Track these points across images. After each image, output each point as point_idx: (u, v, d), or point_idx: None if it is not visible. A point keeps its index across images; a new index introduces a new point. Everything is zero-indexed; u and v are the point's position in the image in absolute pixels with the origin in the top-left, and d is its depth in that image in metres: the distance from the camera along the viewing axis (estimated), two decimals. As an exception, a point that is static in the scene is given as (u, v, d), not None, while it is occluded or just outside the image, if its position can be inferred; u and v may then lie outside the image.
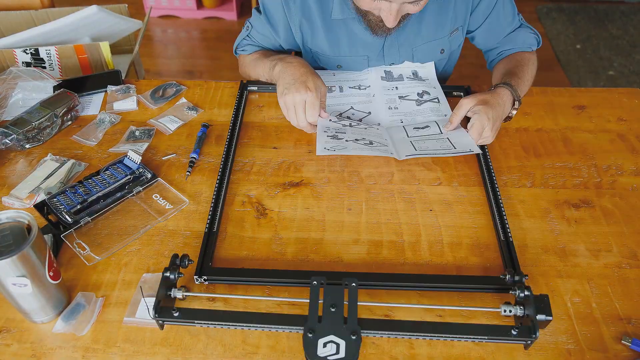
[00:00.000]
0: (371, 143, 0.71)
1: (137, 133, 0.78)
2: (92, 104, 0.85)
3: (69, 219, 0.64)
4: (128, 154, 0.72)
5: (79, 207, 0.66)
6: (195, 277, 0.58)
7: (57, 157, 0.74)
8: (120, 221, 0.66)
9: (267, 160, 0.75)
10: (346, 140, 0.72)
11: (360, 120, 0.79)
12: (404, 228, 0.66)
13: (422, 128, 0.76)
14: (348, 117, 0.79)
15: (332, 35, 0.82)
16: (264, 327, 0.52)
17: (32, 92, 0.85)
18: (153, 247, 0.63)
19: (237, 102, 0.82)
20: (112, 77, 0.89)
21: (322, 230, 0.65)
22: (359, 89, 0.84)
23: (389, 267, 0.61)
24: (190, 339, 0.54)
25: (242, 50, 0.89)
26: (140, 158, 0.72)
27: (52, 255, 0.53)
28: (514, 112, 0.76)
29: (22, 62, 0.95)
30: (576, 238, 0.65)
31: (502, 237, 0.63)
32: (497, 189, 0.68)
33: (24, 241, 0.49)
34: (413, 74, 0.85)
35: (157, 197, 0.69)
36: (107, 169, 0.71)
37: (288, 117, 0.74)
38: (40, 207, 0.66)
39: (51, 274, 0.53)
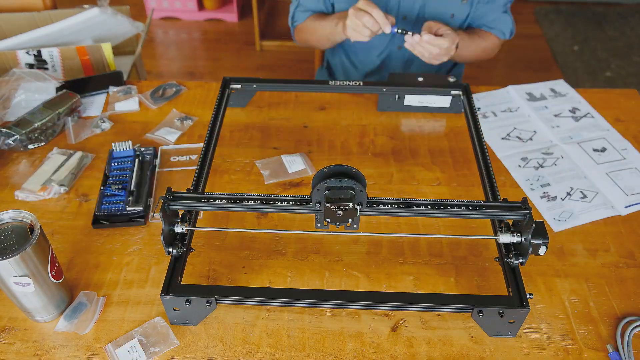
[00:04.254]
0: (585, 197, 0.68)
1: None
2: (94, 105, 0.86)
3: (138, 208, 0.66)
4: (113, 147, 0.73)
5: (131, 198, 0.67)
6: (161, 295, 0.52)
7: (64, 150, 0.75)
8: (176, 188, 0.67)
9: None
10: (561, 199, 0.67)
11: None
12: (403, 228, 0.66)
13: (600, 151, 0.75)
14: (519, 138, 0.77)
15: None
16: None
17: (34, 93, 0.85)
18: (154, 246, 0.64)
19: (218, 99, 0.76)
20: (114, 78, 0.89)
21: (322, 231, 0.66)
22: (510, 111, 0.83)
23: (389, 267, 0.62)
24: (191, 337, 0.55)
25: (297, 20, 0.96)
26: (131, 142, 0.73)
27: (54, 255, 0.54)
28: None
29: (25, 64, 0.96)
30: (574, 237, 0.65)
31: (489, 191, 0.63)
32: (486, 150, 0.67)
33: (27, 241, 0.50)
34: (551, 90, 0.86)
35: (175, 158, 0.73)
36: (111, 168, 0.72)
37: (365, 30, 0.79)
38: (107, 219, 0.65)
39: (53, 273, 0.53)
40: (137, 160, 0.72)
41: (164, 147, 0.76)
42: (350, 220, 0.52)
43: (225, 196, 0.54)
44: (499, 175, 0.73)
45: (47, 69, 0.96)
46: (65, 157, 0.73)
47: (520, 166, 0.73)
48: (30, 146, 0.76)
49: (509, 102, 0.86)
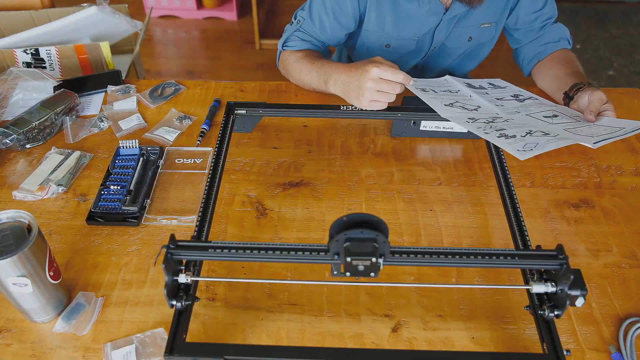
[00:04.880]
0: (547, 134, 0.66)
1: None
2: (92, 104, 0.85)
3: (133, 208, 0.65)
4: (120, 144, 0.73)
5: (128, 197, 0.67)
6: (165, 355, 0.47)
7: (61, 149, 0.74)
8: (175, 191, 0.69)
9: (267, 160, 0.75)
10: (522, 136, 0.65)
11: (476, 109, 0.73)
12: (404, 228, 0.66)
13: (552, 117, 0.72)
14: (463, 107, 0.74)
15: (396, 13, 0.82)
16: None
17: (32, 92, 0.85)
18: (153, 247, 0.63)
19: (222, 127, 0.71)
20: (112, 77, 0.89)
21: (322, 230, 0.65)
22: (450, 92, 0.79)
23: (389, 267, 0.61)
24: (190, 338, 0.54)
25: (291, 46, 0.86)
26: (137, 141, 0.73)
27: (52, 255, 0.53)
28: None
29: (23, 62, 0.95)
30: (576, 238, 0.65)
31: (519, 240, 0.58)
32: (513, 191, 0.63)
33: (24, 241, 0.49)
34: (490, 84, 0.85)
35: (180, 160, 0.72)
36: (115, 165, 0.72)
37: (381, 101, 0.71)
38: (101, 216, 0.64)
39: (51, 273, 0.53)
40: (141, 159, 0.72)
41: (170, 148, 0.76)
42: (372, 273, 0.47)
43: (234, 245, 0.49)
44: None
45: (44, 67, 0.96)
46: (63, 156, 0.72)
47: (468, 122, 0.70)
48: (28, 145, 0.76)
49: (449, 86, 0.82)
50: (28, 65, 0.95)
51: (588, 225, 0.66)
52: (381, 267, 0.47)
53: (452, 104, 0.75)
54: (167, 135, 0.79)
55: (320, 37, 0.86)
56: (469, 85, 0.82)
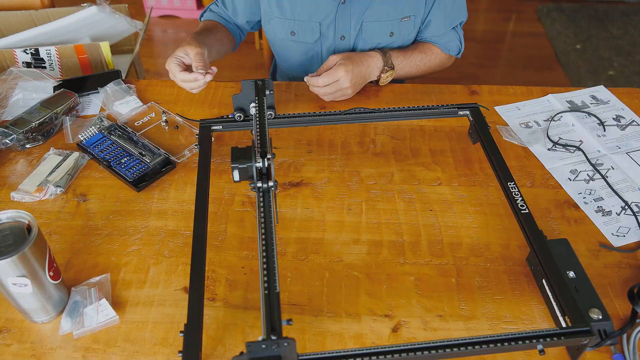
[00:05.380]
0: None
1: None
2: (92, 104, 0.85)
3: (159, 159, 0.71)
4: (80, 137, 0.75)
5: (146, 154, 0.72)
6: None
7: (60, 150, 0.74)
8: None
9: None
10: (617, 214, 0.66)
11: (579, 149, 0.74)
12: (404, 228, 0.66)
13: None
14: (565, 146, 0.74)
15: None
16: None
17: (32, 92, 0.85)
18: (153, 247, 0.63)
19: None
20: (112, 77, 0.89)
21: (322, 230, 0.65)
22: (554, 120, 0.81)
23: (390, 268, 0.61)
24: (190, 338, 0.54)
25: (204, 17, 0.94)
26: (94, 128, 0.76)
27: (52, 255, 0.53)
28: (386, 77, 0.83)
29: (23, 62, 0.95)
30: (576, 238, 0.65)
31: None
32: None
33: (24, 241, 0.49)
34: (592, 97, 0.84)
35: (139, 122, 0.78)
36: (98, 152, 0.74)
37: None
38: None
39: (51, 273, 0.53)
40: (112, 135, 0.75)
41: (122, 119, 0.80)
42: None
43: None
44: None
45: (44, 67, 0.96)
46: (61, 157, 0.72)
47: (570, 179, 0.72)
48: (27, 145, 0.76)
49: (551, 110, 0.83)
50: (28, 65, 0.95)
51: (588, 225, 0.66)
52: None
53: (554, 144, 0.75)
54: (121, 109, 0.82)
55: (227, 12, 0.91)
56: (572, 105, 0.82)
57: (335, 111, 0.74)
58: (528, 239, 0.59)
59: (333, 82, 0.77)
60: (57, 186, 0.68)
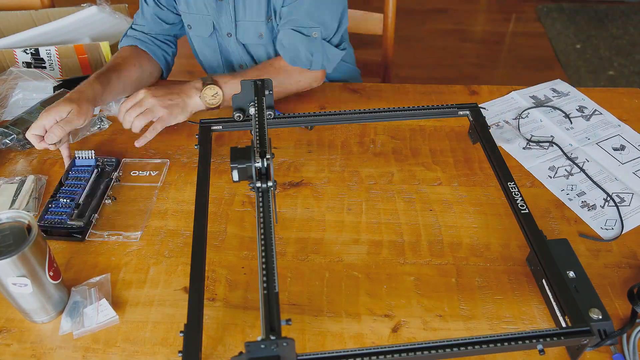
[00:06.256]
0: (622, 200, 0.67)
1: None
2: (92, 104, 0.85)
3: (79, 223, 0.64)
4: (76, 155, 0.72)
5: (76, 211, 0.65)
6: None
7: (11, 178, 0.70)
8: (126, 205, 0.67)
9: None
10: (601, 207, 0.67)
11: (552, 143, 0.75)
12: (404, 228, 0.66)
13: (620, 149, 0.74)
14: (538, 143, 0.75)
15: None
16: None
17: (32, 92, 0.85)
18: (153, 247, 0.63)
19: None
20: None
21: (322, 230, 0.65)
22: (522, 118, 0.81)
23: (390, 267, 0.61)
24: (190, 338, 0.54)
25: (121, 44, 0.86)
26: (93, 152, 0.72)
27: (52, 255, 0.53)
28: (210, 94, 0.74)
29: (23, 62, 0.95)
30: (576, 238, 0.65)
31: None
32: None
33: (24, 241, 0.49)
34: (554, 91, 0.85)
35: (135, 172, 0.70)
36: (68, 176, 0.70)
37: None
38: (45, 230, 0.64)
39: (51, 273, 0.53)
40: (96, 170, 0.71)
41: (126, 160, 0.74)
42: None
43: None
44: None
45: (44, 67, 0.96)
46: (16, 184, 0.68)
47: (550, 177, 0.72)
48: (27, 146, 0.76)
49: (517, 108, 0.85)
50: (28, 65, 0.95)
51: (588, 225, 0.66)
52: None
53: (528, 142, 0.76)
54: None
55: (147, 28, 0.85)
56: (535, 100, 0.82)
57: (335, 111, 0.74)
58: (528, 239, 0.59)
59: (135, 103, 0.71)
60: (28, 212, 0.64)
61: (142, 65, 0.83)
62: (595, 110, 0.83)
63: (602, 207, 0.68)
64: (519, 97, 0.87)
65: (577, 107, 0.84)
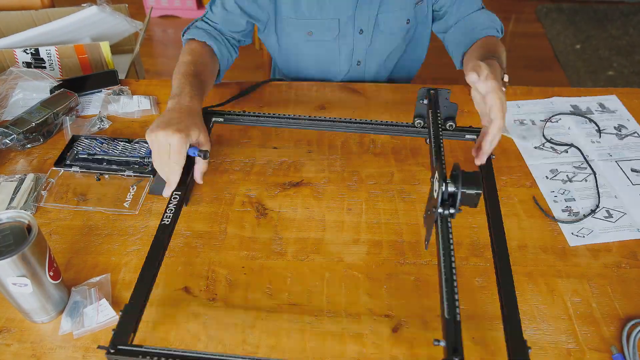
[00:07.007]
0: (610, 216, 0.66)
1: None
2: (92, 104, 0.85)
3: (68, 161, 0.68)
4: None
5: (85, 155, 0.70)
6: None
7: (11, 176, 0.70)
8: (101, 188, 0.70)
9: (267, 160, 0.75)
10: (584, 215, 0.66)
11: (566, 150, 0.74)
12: (404, 228, 0.66)
13: (638, 172, 0.71)
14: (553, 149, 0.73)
15: None
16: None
17: (32, 92, 0.85)
18: (153, 247, 0.63)
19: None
20: (109, 77, 0.89)
21: (322, 230, 0.65)
22: (551, 122, 0.80)
23: (390, 267, 0.61)
24: (190, 339, 0.54)
25: (190, 35, 0.77)
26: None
27: (52, 255, 0.53)
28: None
29: (23, 62, 0.95)
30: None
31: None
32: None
33: (24, 241, 0.49)
34: (600, 105, 0.83)
35: (134, 188, 0.70)
36: (127, 142, 0.75)
37: (155, 165, 0.62)
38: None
39: (51, 273, 0.53)
40: (139, 162, 0.72)
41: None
42: None
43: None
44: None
45: (44, 67, 0.96)
46: (16, 182, 0.68)
47: (547, 177, 0.72)
48: (28, 145, 0.76)
49: (551, 112, 0.83)
50: (28, 65, 0.95)
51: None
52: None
53: (543, 144, 0.75)
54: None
55: (219, 25, 0.79)
56: (575, 109, 0.81)
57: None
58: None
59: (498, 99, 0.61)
60: (25, 210, 0.63)
61: (214, 72, 0.77)
62: (635, 132, 0.80)
63: (585, 216, 0.67)
64: (559, 102, 0.85)
65: (616, 125, 0.81)
